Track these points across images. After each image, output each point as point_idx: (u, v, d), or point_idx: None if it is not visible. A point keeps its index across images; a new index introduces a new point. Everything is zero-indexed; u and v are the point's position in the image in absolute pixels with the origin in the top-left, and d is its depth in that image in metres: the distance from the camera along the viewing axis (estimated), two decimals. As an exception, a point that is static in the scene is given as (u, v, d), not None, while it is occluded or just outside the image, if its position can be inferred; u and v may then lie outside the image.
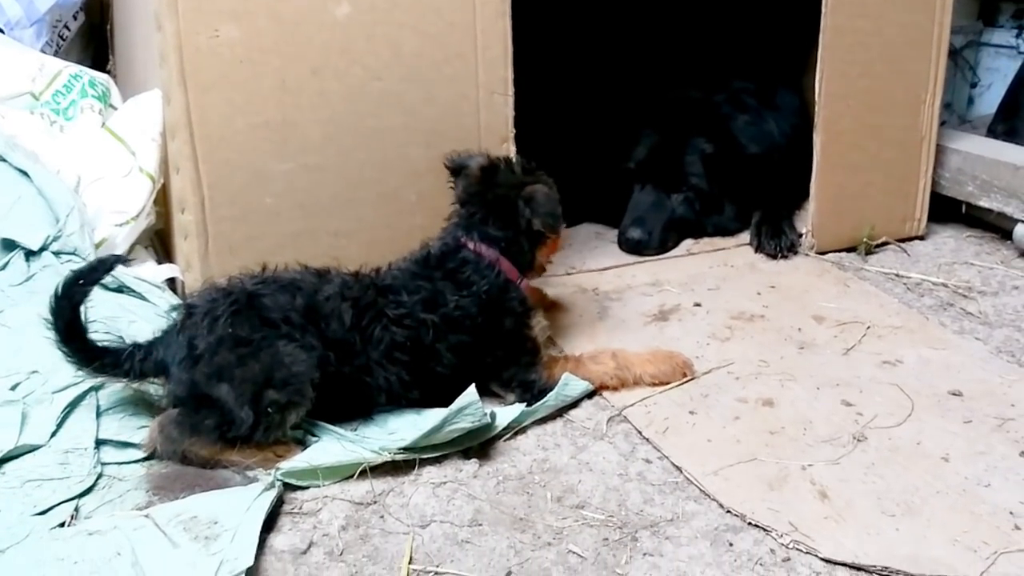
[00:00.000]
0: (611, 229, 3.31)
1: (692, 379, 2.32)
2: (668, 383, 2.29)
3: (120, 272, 2.38)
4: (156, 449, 1.93)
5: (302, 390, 1.93)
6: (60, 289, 1.90)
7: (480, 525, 1.80)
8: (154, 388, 2.09)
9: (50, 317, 1.90)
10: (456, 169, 2.38)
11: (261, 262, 2.12)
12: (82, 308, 1.92)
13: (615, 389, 2.27)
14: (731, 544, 1.75)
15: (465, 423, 1.94)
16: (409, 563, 1.68)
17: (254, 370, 1.90)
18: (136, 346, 1.99)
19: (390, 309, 2.09)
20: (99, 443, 1.94)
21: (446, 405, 2.02)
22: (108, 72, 3.30)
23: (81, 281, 1.93)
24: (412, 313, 2.11)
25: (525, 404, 2.15)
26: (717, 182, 3.26)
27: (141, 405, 2.05)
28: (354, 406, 2.08)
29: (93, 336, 1.96)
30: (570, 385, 2.19)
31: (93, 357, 1.94)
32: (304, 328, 1.97)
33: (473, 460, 1.98)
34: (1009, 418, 2.15)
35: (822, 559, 1.71)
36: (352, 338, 2.03)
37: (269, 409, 1.90)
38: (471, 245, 2.25)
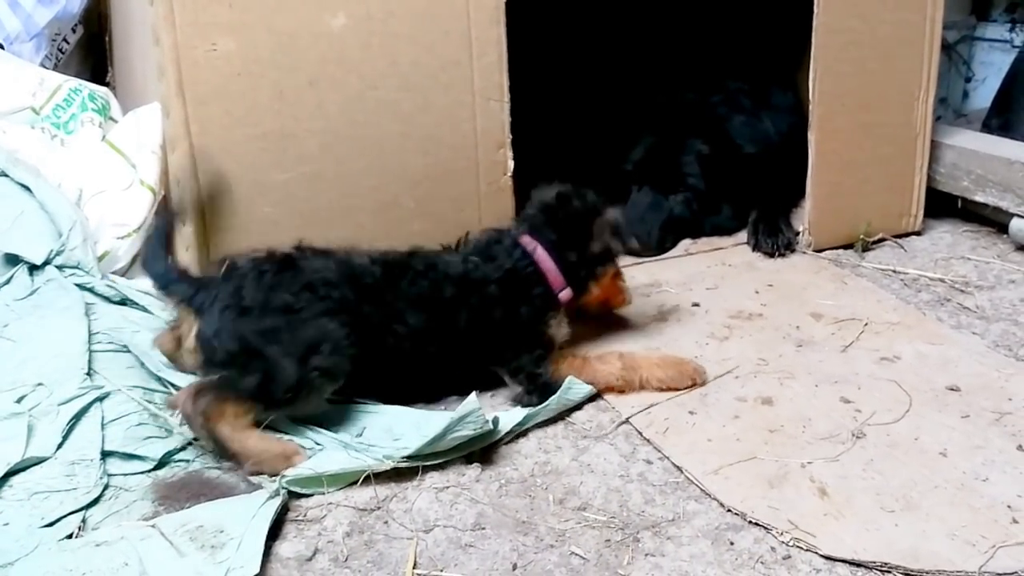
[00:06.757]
0: (609, 231, 3.32)
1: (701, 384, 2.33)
2: (676, 389, 2.29)
3: (123, 284, 2.41)
4: (183, 413, 1.97)
5: (343, 362, 2.04)
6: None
7: (483, 529, 1.81)
8: (159, 397, 2.13)
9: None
10: (537, 193, 2.48)
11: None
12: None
13: (621, 391, 2.27)
14: (732, 543, 1.77)
15: (467, 431, 1.96)
16: (413, 568, 1.70)
17: (303, 336, 2.01)
18: (183, 272, 2.17)
19: (417, 264, 2.24)
20: (105, 454, 1.95)
21: (462, 369, 2.23)
22: (108, 84, 3.33)
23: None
24: (437, 267, 2.24)
25: (527, 407, 2.17)
26: (714, 182, 3.27)
27: (146, 415, 2.07)
28: (381, 360, 2.16)
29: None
30: (573, 389, 2.21)
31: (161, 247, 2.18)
32: (338, 285, 2.11)
33: (475, 464, 2.00)
34: (1006, 412, 2.17)
35: (822, 556, 1.73)
36: (381, 290, 2.16)
37: (314, 373, 1.99)
38: (518, 236, 2.35)
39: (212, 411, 1.94)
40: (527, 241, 2.34)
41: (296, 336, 2.01)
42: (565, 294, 2.34)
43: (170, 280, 2.12)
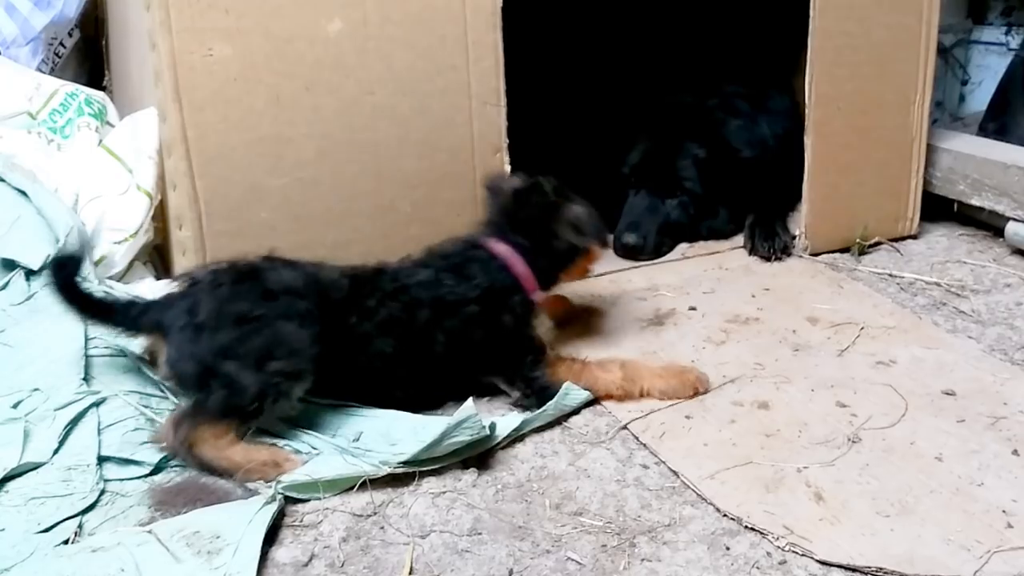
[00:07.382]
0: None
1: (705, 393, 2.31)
2: (678, 399, 2.27)
3: (119, 289, 2.41)
4: (168, 446, 1.97)
5: (304, 362, 2.01)
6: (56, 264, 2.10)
7: (479, 534, 1.82)
8: (156, 402, 2.13)
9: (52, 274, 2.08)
10: (493, 189, 2.45)
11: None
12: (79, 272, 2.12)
13: (620, 400, 2.26)
14: (728, 548, 1.77)
15: (464, 436, 1.96)
16: (410, 573, 1.70)
17: (256, 344, 1.98)
18: (133, 302, 2.11)
19: (386, 284, 2.19)
20: (101, 460, 1.95)
21: (442, 391, 2.21)
22: (104, 88, 3.33)
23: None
24: (408, 290, 2.19)
25: (525, 412, 2.17)
26: (711, 186, 3.27)
27: (143, 421, 2.07)
28: (352, 378, 2.15)
29: (94, 292, 2.14)
30: (570, 395, 2.20)
31: (91, 309, 2.08)
32: (304, 296, 2.06)
33: (472, 469, 2.00)
34: (1002, 416, 2.17)
35: (818, 561, 1.73)
36: (349, 308, 2.12)
37: (275, 378, 1.97)
38: (489, 244, 2.31)
39: (192, 438, 1.94)
40: (499, 249, 2.30)
41: (250, 346, 1.98)
42: (538, 295, 2.33)
43: (136, 323, 2.08)
